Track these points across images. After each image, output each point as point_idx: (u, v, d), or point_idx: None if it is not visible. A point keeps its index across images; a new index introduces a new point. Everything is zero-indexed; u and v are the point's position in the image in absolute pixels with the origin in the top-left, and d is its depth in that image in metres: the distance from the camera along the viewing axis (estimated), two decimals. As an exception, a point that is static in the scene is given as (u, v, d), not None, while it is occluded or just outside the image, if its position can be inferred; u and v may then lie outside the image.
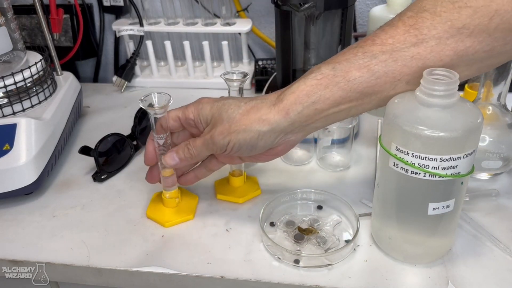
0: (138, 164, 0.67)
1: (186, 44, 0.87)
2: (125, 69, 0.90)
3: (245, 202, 0.58)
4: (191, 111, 0.49)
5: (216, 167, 0.54)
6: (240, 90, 0.53)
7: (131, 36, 0.91)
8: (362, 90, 0.42)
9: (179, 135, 0.53)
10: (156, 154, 0.52)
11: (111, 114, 0.82)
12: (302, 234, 0.51)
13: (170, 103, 0.48)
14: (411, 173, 0.41)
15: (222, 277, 0.47)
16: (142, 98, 0.48)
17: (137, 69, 0.93)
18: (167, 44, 0.88)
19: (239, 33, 0.90)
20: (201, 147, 0.48)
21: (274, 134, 0.45)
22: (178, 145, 0.50)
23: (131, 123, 0.70)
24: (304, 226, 0.52)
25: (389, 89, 0.42)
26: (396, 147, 0.41)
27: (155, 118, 0.48)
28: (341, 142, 0.64)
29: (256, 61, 0.92)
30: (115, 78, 0.91)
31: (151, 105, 0.48)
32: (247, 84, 0.89)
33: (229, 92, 0.53)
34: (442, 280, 0.45)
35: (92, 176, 0.63)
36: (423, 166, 0.40)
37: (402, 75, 0.41)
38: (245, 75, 0.52)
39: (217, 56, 0.95)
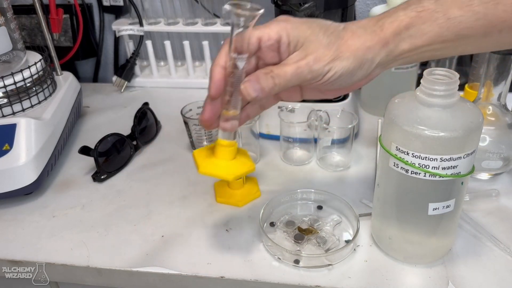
0: (138, 164, 0.67)
1: (186, 44, 0.87)
2: (125, 69, 0.90)
3: (245, 202, 0.58)
4: (275, 30, 0.40)
5: (270, 105, 0.48)
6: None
7: (131, 36, 0.91)
8: (459, 31, 0.39)
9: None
10: (223, 84, 0.42)
11: (111, 114, 0.82)
12: (302, 234, 0.51)
13: (260, 12, 0.38)
14: (411, 173, 0.41)
15: (222, 277, 0.47)
16: None
17: (137, 69, 0.92)
18: (167, 44, 0.88)
19: (239, 33, 0.90)
20: (291, 76, 0.40)
21: (373, 64, 0.41)
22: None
23: (131, 123, 0.70)
24: (304, 226, 0.52)
25: (481, 36, 0.40)
26: (396, 147, 0.41)
27: (238, 27, 0.38)
28: (341, 142, 0.64)
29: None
30: (115, 78, 0.91)
31: (239, 5, 0.38)
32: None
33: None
34: (442, 280, 0.45)
35: (92, 176, 0.63)
36: (423, 166, 0.40)
37: (499, 21, 0.39)
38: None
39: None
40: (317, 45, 0.40)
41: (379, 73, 0.43)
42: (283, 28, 0.41)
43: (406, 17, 0.40)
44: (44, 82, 0.67)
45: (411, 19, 0.40)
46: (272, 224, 0.53)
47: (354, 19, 0.89)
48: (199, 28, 0.87)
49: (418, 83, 0.42)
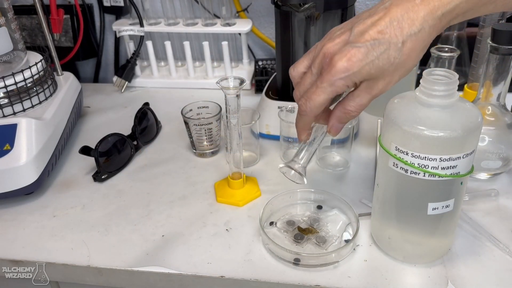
0: (138, 164, 0.67)
1: (186, 44, 0.87)
2: (125, 69, 0.90)
3: (245, 202, 0.58)
4: (341, 85, 0.40)
5: None
6: (238, 97, 0.52)
7: (131, 37, 0.91)
8: None
9: None
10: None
11: (112, 114, 0.82)
12: (302, 234, 0.51)
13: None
14: (410, 173, 0.41)
15: (222, 276, 0.47)
16: None
17: (137, 69, 0.93)
18: (167, 44, 0.88)
19: (239, 34, 0.90)
20: (368, 103, 0.43)
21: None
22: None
23: (131, 123, 0.70)
24: (304, 226, 0.53)
25: None
26: (396, 147, 0.41)
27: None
28: (341, 142, 0.64)
29: (256, 61, 0.92)
30: (115, 78, 0.91)
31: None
32: (247, 84, 0.89)
33: (225, 98, 0.52)
34: (441, 280, 0.45)
35: (93, 176, 0.63)
36: (423, 166, 0.40)
37: None
38: (242, 81, 0.50)
39: (217, 56, 0.95)
40: (386, 72, 0.40)
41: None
42: (347, 77, 0.40)
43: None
44: (44, 82, 0.67)
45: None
46: (272, 224, 0.53)
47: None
48: (199, 28, 0.88)
49: (417, 83, 0.42)
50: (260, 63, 0.91)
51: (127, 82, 0.91)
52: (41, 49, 0.72)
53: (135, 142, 0.69)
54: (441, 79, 0.40)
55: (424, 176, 0.40)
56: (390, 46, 0.38)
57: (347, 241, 0.50)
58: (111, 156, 0.65)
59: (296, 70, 0.46)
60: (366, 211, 0.54)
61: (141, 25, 0.89)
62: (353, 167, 0.64)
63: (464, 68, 0.82)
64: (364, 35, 0.39)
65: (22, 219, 0.57)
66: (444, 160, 0.39)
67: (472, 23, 0.80)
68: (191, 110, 0.68)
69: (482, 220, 0.53)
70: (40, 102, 0.65)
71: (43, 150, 0.60)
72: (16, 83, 0.61)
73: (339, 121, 0.44)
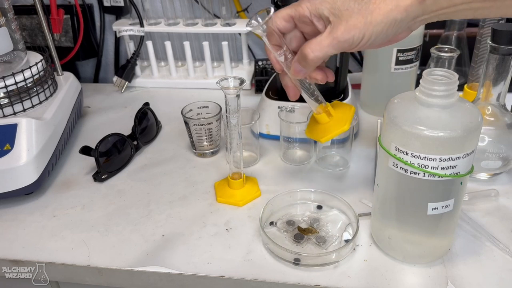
0: (138, 164, 0.67)
1: (186, 44, 0.87)
2: (125, 69, 0.90)
3: (245, 202, 0.58)
4: (306, 6, 0.43)
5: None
6: (238, 97, 0.52)
7: (131, 37, 0.91)
8: None
9: (291, 39, 0.48)
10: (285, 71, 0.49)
11: (112, 114, 0.82)
12: (302, 234, 0.51)
13: (271, 14, 0.45)
14: (410, 173, 0.41)
15: (222, 276, 0.47)
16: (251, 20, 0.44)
17: (137, 69, 0.93)
18: (167, 44, 0.88)
19: (239, 34, 0.90)
20: (328, 47, 0.43)
21: (406, 21, 0.41)
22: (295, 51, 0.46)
23: (132, 123, 0.70)
24: (304, 226, 0.53)
25: None
26: (396, 147, 0.41)
27: (263, 35, 0.46)
28: (341, 142, 0.64)
29: (256, 61, 0.92)
30: (115, 78, 0.91)
31: (254, 24, 0.45)
32: (247, 84, 0.89)
33: (225, 98, 0.52)
34: (441, 280, 0.45)
35: (93, 176, 0.63)
36: (423, 166, 0.40)
37: None
38: (241, 81, 0.51)
39: (217, 57, 0.95)
40: (349, 13, 0.41)
41: (419, 25, 0.42)
42: (313, 3, 0.43)
43: None
44: (45, 82, 0.67)
45: None
46: (272, 224, 0.53)
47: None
48: (199, 28, 0.88)
49: (417, 83, 0.42)
50: (260, 63, 0.91)
51: (127, 82, 0.91)
52: (41, 49, 0.72)
53: (135, 142, 0.69)
54: (441, 79, 0.40)
55: (424, 176, 0.41)
56: None
57: (347, 241, 0.50)
58: (111, 156, 0.65)
59: None
60: (366, 211, 0.54)
61: (141, 25, 0.89)
62: (353, 167, 0.64)
63: (464, 68, 0.82)
64: None
65: (22, 219, 0.57)
66: (444, 160, 0.39)
67: (472, 23, 0.80)
68: (191, 110, 0.68)
69: (482, 220, 0.53)
70: (40, 102, 0.65)
71: (43, 150, 0.60)
72: (16, 83, 0.62)
73: (297, 59, 0.45)
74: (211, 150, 0.68)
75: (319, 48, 0.43)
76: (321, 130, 0.53)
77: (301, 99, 0.69)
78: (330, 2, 0.42)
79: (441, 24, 0.81)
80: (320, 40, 0.43)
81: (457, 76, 0.40)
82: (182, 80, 0.92)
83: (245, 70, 0.92)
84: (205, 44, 0.87)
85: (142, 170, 0.66)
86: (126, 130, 0.69)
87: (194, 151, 0.69)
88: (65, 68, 0.78)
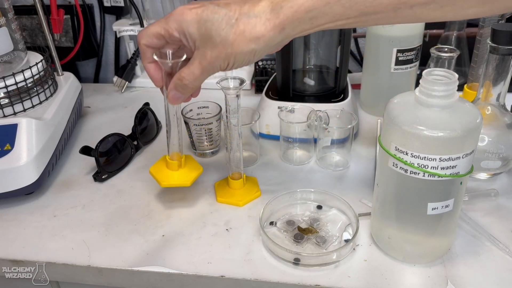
0: (138, 164, 0.67)
1: (186, 44, 0.87)
2: (125, 70, 0.91)
3: (245, 202, 0.58)
4: (174, 28, 0.44)
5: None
6: (238, 97, 0.52)
7: (131, 37, 0.91)
8: (363, 9, 0.39)
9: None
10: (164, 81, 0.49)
11: (112, 114, 0.83)
12: (302, 233, 0.51)
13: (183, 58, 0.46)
14: (410, 173, 0.41)
15: (222, 276, 0.47)
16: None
17: (137, 69, 0.93)
18: (168, 44, 0.88)
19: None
20: (200, 74, 0.45)
21: (268, 48, 0.43)
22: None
23: (132, 123, 0.70)
24: (304, 226, 0.53)
25: (391, 11, 0.39)
26: (396, 147, 0.41)
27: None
28: (341, 142, 0.64)
29: (256, 61, 0.92)
30: (115, 78, 0.91)
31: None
32: (247, 84, 0.89)
33: (225, 98, 0.52)
34: (441, 280, 0.45)
35: (93, 176, 0.63)
36: (422, 166, 0.40)
37: None
38: (242, 81, 0.51)
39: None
40: (214, 42, 0.42)
41: (286, 43, 0.45)
42: (180, 26, 0.44)
43: (306, 1, 0.40)
44: (45, 83, 0.67)
45: (312, 2, 0.40)
46: (272, 224, 0.53)
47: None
48: (199, 28, 0.87)
49: (417, 83, 0.42)
50: (260, 63, 0.91)
51: (127, 82, 0.91)
52: (42, 49, 0.72)
53: (135, 142, 0.69)
54: (440, 79, 0.40)
55: (423, 176, 0.41)
56: (225, 17, 0.41)
57: (347, 241, 0.50)
58: (111, 156, 0.65)
59: None
60: (366, 211, 0.54)
61: (142, 25, 0.89)
62: (353, 167, 0.64)
63: (464, 68, 0.82)
64: (213, 0, 0.43)
65: (22, 219, 0.57)
66: (444, 160, 0.39)
67: (472, 23, 0.80)
68: (191, 110, 0.68)
69: (482, 220, 0.53)
70: (40, 102, 0.65)
71: (44, 150, 0.60)
72: (16, 83, 0.62)
73: (175, 87, 0.47)
74: (211, 150, 0.68)
75: (193, 77, 0.45)
76: (165, 174, 0.55)
77: (301, 99, 0.69)
78: (196, 26, 0.42)
79: (441, 24, 0.81)
80: (193, 70, 0.45)
81: (457, 76, 0.40)
82: (182, 80, 0.92)
83: (245, 70, 0.92)
84: (205, 44, 0.87)
85: (142, 170, 0.66)
86: (126, 130, 0.69)
87: (194, 151, 0.69)
88: (65, 68, 0.78)
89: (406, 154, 0.40)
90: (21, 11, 0.93)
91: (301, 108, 0.65)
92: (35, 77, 0.65)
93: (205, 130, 0.65)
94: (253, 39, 0.42)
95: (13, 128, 0.58)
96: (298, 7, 0.40)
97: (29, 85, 0.64)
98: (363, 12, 0.40)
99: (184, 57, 0.46)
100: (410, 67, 0.72)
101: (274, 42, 0.42)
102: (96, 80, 1.04)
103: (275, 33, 0.41)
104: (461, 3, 0.38)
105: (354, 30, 0.91)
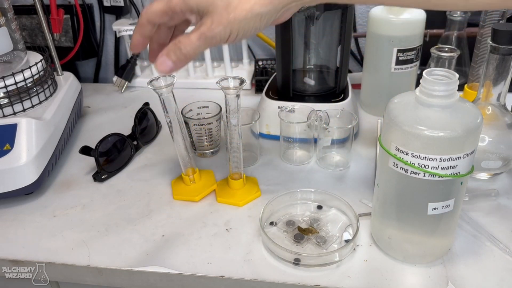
0: (138, 164, 0.67)
1: (186, 44, 0.87)
2: (125, 69, 0.90)
3: (245, 202, 0.58)
4: (176, 2, 0.42)
5: None
6: (238, 97, 0.52)
7: (131, 36, 0.91)
8: None
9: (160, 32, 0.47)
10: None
11: (112, 114, 0.82)
12: (302, 234, 0.51)
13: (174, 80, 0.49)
14: (410, 173, 0.41)
15: (222, 276, 0.47)
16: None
17: (137, 69, 0.93)
18: (167, 44, 0.88)
19: (239, 33, 0.90)
20: (197, 42, 0.42)
21: (276, 11, 0.41)
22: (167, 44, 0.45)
23: (131, 123, 0.70)
24: (304, 226, 0.53)
25: None
26: (396, 147, 0.41)
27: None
28: (341, 142, 0.64)
29: (256, 61, 0.92)
30: (115, 78, 0.91)
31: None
32: (247, 84, 0.89)
33: (225, 98, 0.52)
34: (441, 280, 0.45)
35: (93, 176, 0.63)
36: (423, 166, 0.40)
37: None
38: (242, 81, 0.51)
39: (217, 56, 0.95)
40: (214, 8, 0.41)
41: (299, 6, 0.43)
42: (182, 0, 0.42)
43: None
44: (45, 82, 0.67)
45: None
46: (272, 224, 0.53)
47: (354, 19, 0.89)
48: (199, 28, 0.87)
49: (417, 83, 0.42)
50: (260, 63, 0.91)
51: (127, 82, 0.91)
52: (41, 49, 0.72)
53: (135, 142, 0.69)
54: (441, 79, 0.40)
55: (424, 176, 0.41)
56: None
57: (347, 241, 0.50)
58: (111, 156, 0.65)
59: None
60: (366, 211, 0.54)
61: (141, 25, 0.88)
62: (353, 167, 0.64)
63: (464, 68, 0.82)
64: None
65: (22, 219, 0.57)
66: (444, 160, 0.39)
67: (472, 23, 0.80)
68: (191, 110, 0.68)
69: (482, 220, 0.53)
70: (40, 102, 0.65)
71: (43, 150, 0.60)
72: (16, 83, 0.61)
73: (167, 53, 0.43)
74: (211, 150, 0.68)
75: (189, 43, 0.42)
76: (179, 188, 0.60)
77: (301, 99, 0.69)
78: None
79: (441, 24, 0.81)
80: (189, 36, 0.42)
81: (457, 76, 0.40)
82: (182, 80, 0.92)
83: (245, 70, 0.92)
84: (205, 44, 0.87)
85: (142, 170, 0.66)
86: (126, 130, 0.69)
87: (194, 151, 0.69)
88: (65, 68, 0.78)
89: (407, 154, 0.40)
90: (20, 11, 0.93)
91: (301, 108, 0.65)
92: (35, 77, 0.65)
93: (205, 130, 0.65)
94: (258, 2, 0.40)
95: (12, 128, 0.58)
96: None
97: (29, 85, 0.64)
98: None
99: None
100: (411, 67, 0.72)
101: (280, 5, 0.40)
102: (96, 80, 1.04)
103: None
104: None
105: (355, 30, 0.91)
